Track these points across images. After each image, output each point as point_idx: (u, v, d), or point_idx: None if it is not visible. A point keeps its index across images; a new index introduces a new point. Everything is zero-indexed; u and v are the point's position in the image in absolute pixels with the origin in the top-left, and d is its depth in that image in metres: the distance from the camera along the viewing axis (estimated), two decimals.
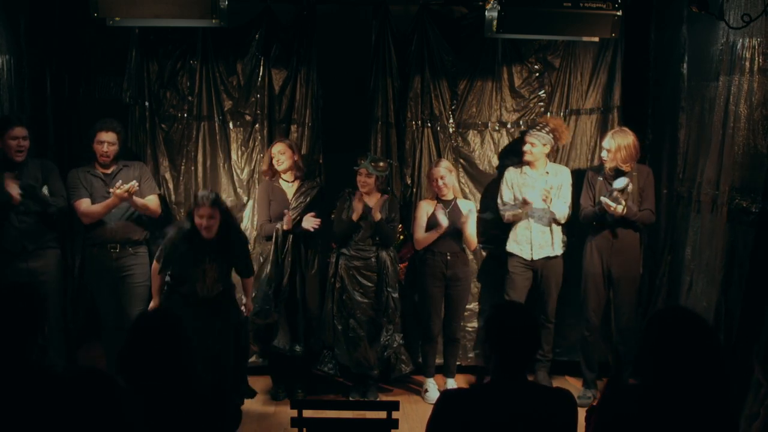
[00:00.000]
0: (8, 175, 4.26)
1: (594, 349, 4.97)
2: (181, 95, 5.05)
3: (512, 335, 2.31)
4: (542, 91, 5.22)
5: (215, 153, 5.11)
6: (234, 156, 5.12)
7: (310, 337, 4.89)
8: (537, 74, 5.21)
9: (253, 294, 4.69)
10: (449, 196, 4.88)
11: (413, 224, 4.91)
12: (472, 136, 5.24)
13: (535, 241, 4.92)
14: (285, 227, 4.70)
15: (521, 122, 5.23)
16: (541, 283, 4.98)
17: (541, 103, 5.23)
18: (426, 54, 5.08)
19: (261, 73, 5.04)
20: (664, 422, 2.13)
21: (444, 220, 4.70)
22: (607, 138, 4.73)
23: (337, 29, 5.15)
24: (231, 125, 5.10)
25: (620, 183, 4.55)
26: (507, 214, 4.95)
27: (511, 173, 5.01)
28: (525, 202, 4.80)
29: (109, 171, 4.69)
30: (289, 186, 4.87)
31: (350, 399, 4.83)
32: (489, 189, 5.23)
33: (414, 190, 5.18)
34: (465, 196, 5.11)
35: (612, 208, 4.55)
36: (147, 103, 5.01)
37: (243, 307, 4.57)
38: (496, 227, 5.16)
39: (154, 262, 4.37)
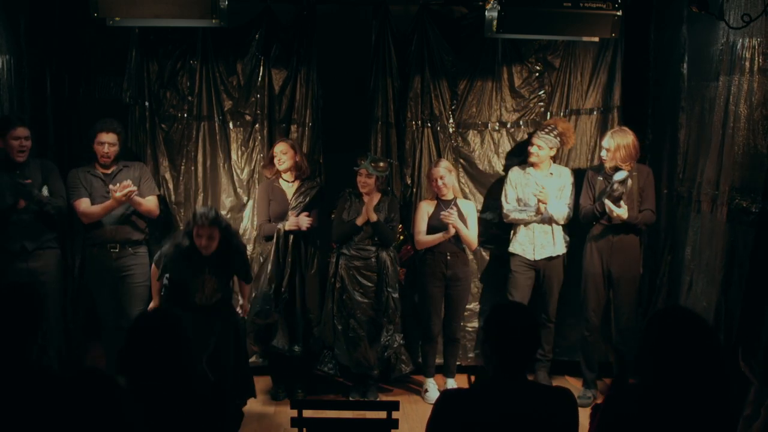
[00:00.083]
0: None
1: (594, 349, 4.97)
2: (181, 95, 5.05)
3: (512, 335, 2.31)
4: (542, 91, 5.22)
5: (215, 153, 5.11)
6: (234, 156, 5.12)
7: (310, 337, 4.89)
8: (537, 74, 5.20)
9: (253, 294, 4.69)
10: (449, 196, 4.88)
11: (413, 225, 4.92)
12: (472, 136, 5.24)
13: (537, 241, 4.92)
14: (287, 228, 4.70)
15: (521, 122, 5.23)
16: (543, 282, 4.98)
17: (541, 103, 5.23)
18: (426, 54, 5.08)
19: (261, 73, 5.04)
20: (664, 422, 2.13)
21: (456, 221, 4.70)
22: (606, 137, 4.73)
23: (337, 29, 5.15)
24: (231, 125, 5.10)
25: (620, 175, 4.57)
26: (516, 216, 4.95)
27: (515, 173, 5.02)
28: (539, 212, 4.82)
29: (109, 171, 4.69)
30: (289, 186, 4.87)
31: (350, 399, 4.83)
32: (489, 189, 5.23)
33: (414, 190, 5.18)
34: (465, 196, 5.11)
35: (615, 214, 4.56)
36: (147, 103, 5.00)
37: (239, 308, 4.57)
38: (496, 227, 5.18)
39: (153, 265, 4.37)
